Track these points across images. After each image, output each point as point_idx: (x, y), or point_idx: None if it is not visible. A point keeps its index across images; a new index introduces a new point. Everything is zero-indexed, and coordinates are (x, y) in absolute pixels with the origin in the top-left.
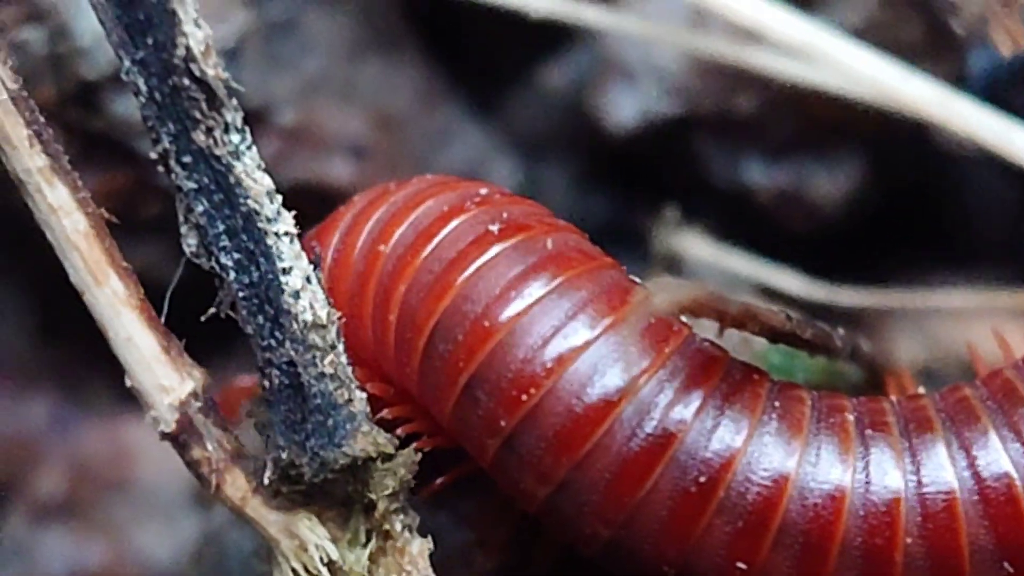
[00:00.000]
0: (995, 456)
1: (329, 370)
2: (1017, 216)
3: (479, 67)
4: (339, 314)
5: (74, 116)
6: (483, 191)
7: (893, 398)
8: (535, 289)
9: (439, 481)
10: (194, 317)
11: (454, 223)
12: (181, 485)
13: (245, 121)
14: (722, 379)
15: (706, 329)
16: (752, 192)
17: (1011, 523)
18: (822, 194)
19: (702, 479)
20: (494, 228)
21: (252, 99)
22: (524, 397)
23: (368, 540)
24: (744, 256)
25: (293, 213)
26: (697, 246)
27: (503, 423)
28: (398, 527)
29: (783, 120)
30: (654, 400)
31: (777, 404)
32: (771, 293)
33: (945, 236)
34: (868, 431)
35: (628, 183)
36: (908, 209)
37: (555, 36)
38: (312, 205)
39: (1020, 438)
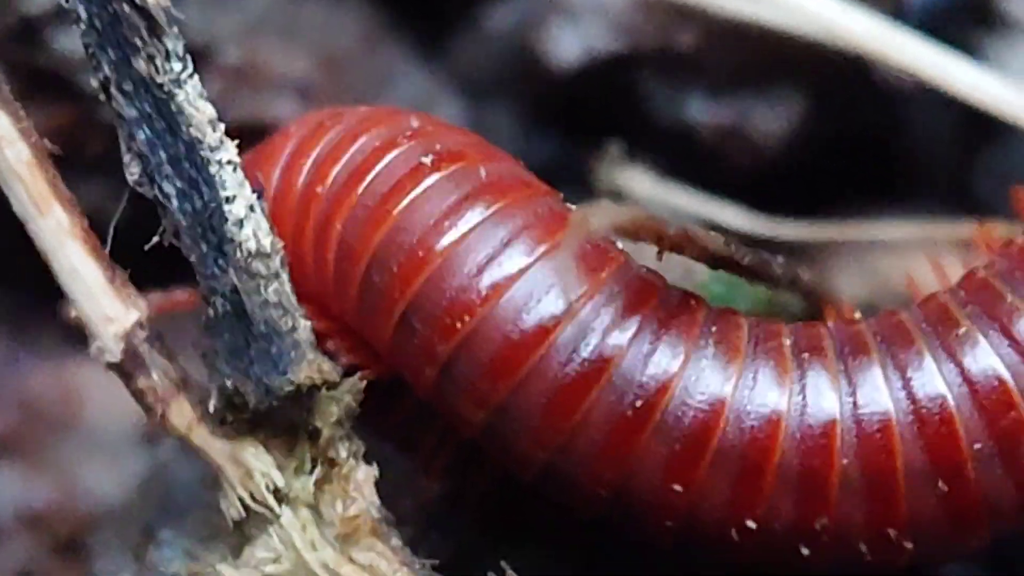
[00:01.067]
0: (930, 378)
1: (273, 298)
2: (960, 152)
3: (424, 8)
4: (282, 243)
5: (17, 52)
6: (416, 123)
7: (830, 323)
8: (469, 218)
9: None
10: (139, 249)
11: (387, 158)
12: (128, 423)
13: (187, 49)
14: (659, 304)
15: (648, 259)
16: (694, 128)
17: (945, 443)
18: (764, 130)
19: (638, 403)
20: (427, 160)
21: (196, 37)
22: (459, 325)
23: (314, 467)
24: (687, 191)
25: (236, 142)
26: (640, 182)
27: (440, 350)
28: (343, 454)
29: (725, 56)
30: (590, 325)
31: (714, 329)
32: (714, 228)
33: (889, 172)
34: (804, 355)
35: (572, 121)
36: (852, 145)
37: None
38: (256, 143)
39: (954, 360)
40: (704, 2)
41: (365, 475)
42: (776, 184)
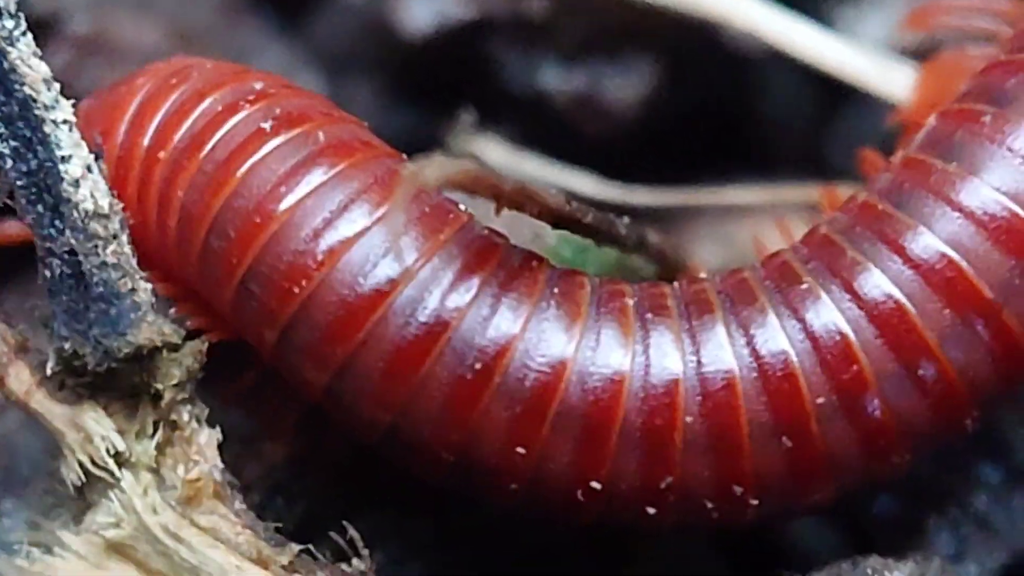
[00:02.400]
0: (772, 334)
1: (112, 259)
2: (812, 119)
3: None
4: (123, 204)
5: None
6: (260, 85)
7: (675, 283)
8: (307, 181)
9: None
10: None
11: (228, 124)
12: None
13: (19, 7)
14: (499, 266)
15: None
16: (548, 96)
17: (788, 399)
18: (617, 97)
19: (478, 365)
20: (267, 125)
21: (42, 5)
22: (297, 289)
23: (155, 431)
24: (540, 159)
25: (72, 102)
26: (493, 151)
27: (279, 315)
28: (185, 417)
29: (576, 23)
30: (428, 287)
31: (556, 290)
32: (570, 197)
33: (742, 141)
34: (648, 315)
35: (427, 91)
36: (705, 114)
37: None
38: None
39: (797, 316)
40: None
41: (207, 438)
42: (630, 151)
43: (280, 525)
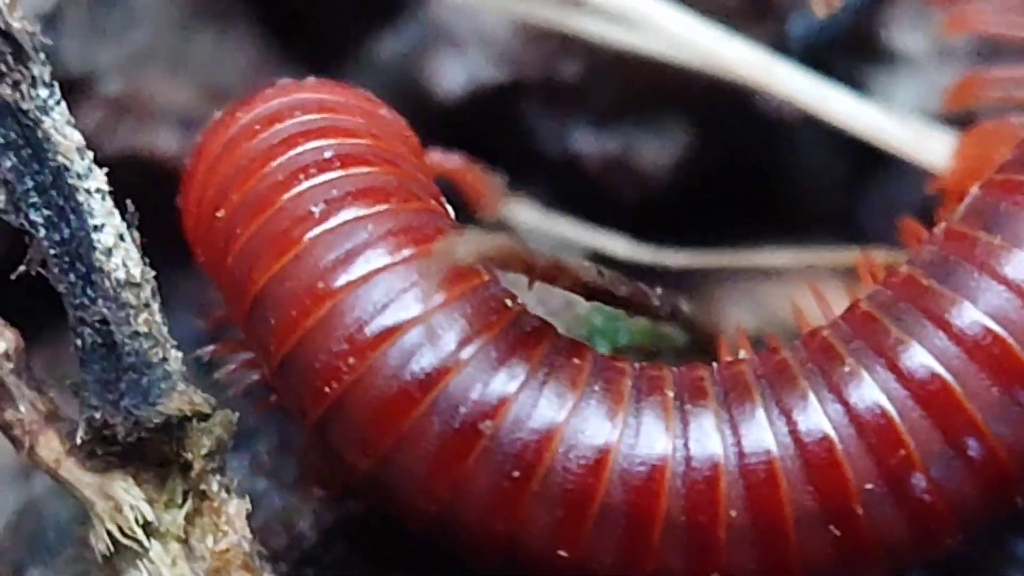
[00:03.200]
0: (815, 418)
1: (143, 328)
2: (845, 184)
3: (313, 39)
4: (154, 272)
5: None
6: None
7: (713, 365)
8: (364, 262)
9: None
10: (6, 279)
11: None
12: (3, 461)
13: (54, 76)
14: (545, 356)
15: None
16: (580, 159)
17: (833, 485)
18: (649, 161)
19: (524, 458)
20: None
21: (75, 67)
22: (343, 373)
23: (185, 500)
24: (572, 222)
25: (105, 171)
26: (525, 213)
27: (321, 395)
28: (215, 487)
29: (608, 86)
30: (474, 379)
31: (598, 377)
32: (599, 259)
33: (776, 204)
34: (687, 404)
35: (459, 151)
36: (738, 177)
37: (386, 7)
38: (138, 175)
39: (840, 398)
40: (588, 33)
41: (237, 508)
42: (662, 214)
43: None
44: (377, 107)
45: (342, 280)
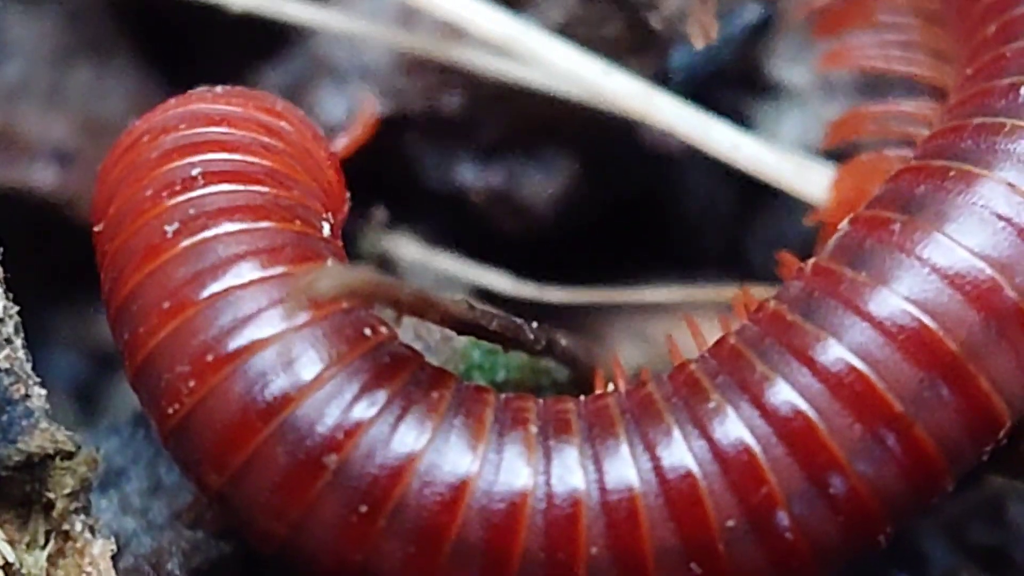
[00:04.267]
0: (678, 454)
1: (4, 364)
2: (732, 217)
3: (195, 71)
4: (17, 308)
5: None
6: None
7: (580, 398)
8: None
9: None
10: None
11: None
12: None
13: None
14: (407, 383)
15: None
16: (464, 192)
17: (696, 522)
18: (533, 194)
19: (375, 489)
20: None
21: None
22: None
23: (47, 541)
24: (454, 257)
25: None
26: (406, 248)
27: (176, 402)
28: (78, 527)
29: (492, 119)
30: (327, 404)
31: (461, 408)
32: (485, 297)
33: (662, 238)
34: (551, 438)
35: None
36: (624, 210)
37: (271, 39)
38: (14, 210)
39: (704, 434)
40: (470, 65)
41: (101, 549)
42: (548, 248)
43: None
44: (282, 117)
45: (198, 294)
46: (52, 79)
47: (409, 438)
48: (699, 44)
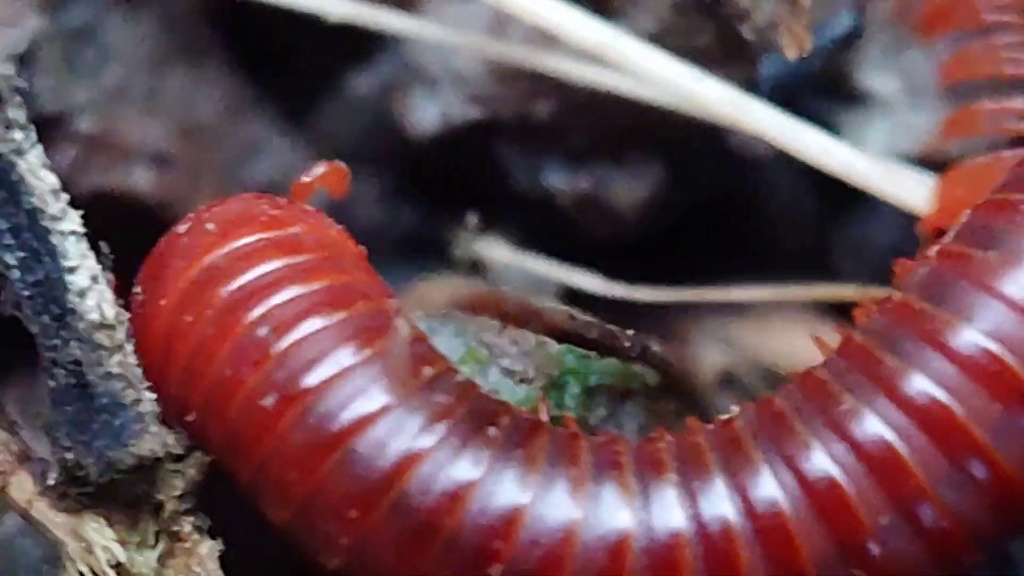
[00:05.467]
0: (819, 462)
1: (116, 370)
2: (816, 222)
3: (288, 77)
4: (128, 315)
5: None
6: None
7: (709, 426)
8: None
9: None
10: None
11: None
12: None
13: (30, 119)
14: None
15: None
16: (553, 197)
17: (847, 524)
18: (622, 199)
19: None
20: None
21: (49, 105)
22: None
23: (157, 541)
24: (545, 260)
25: (81, 213)
26: (498, 251)
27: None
28: (187, 528)
29: (582, 125)
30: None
31: (555, 455)
32: (574, 297)
33: (747, 243)
34: (646, 473)
35: (433, 191)
36: (711, 215)
37: (361, 45)
38: (112, 213)
39: (790, 465)
40: (561, 72)
41: (209, 549)
42: (634, 253)
43: None
44: (319, 218)
45: (308, 383)
46: (149, 84)
47: (514, 487)
48: (792, 55)
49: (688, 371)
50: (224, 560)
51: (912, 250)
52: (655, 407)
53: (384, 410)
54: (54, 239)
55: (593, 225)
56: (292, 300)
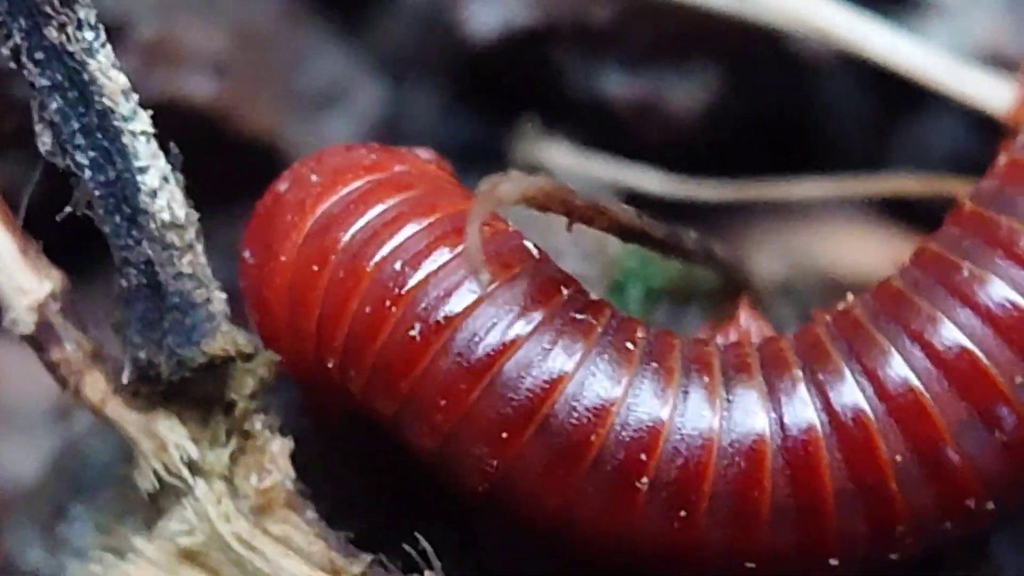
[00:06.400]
0: (899, 368)
1: (187, 269)
2: (876, 129)
3: None
4: (198, 215)
5: None
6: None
7: (789, 335)
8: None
9: None
10: (52, 221)
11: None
12: (42, 400)
13: (99, 19)
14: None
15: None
16: (610, 103)
17: (926, 431)
18: (680, 104)
19: (575, 432)
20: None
21: (110, 11)
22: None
23: (228, 439)
24: (605, 161)
25: (150, 113)
26: (557, 155)
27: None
28: (258, 426)
29: (640, 30)
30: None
31: (652, 355)
32: (634, 201)
33: (806, 149)
34: (731, 372)
35: (491, 97)
36: (769, 121)
37: None
38: (172, 120)
39: (923, 345)
40: None
41: (280, 448)
42: (692, 159)
43: (351, 534)
44: (415, 155)
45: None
46: None
47: (606, 387)
48: None
49: (749, 277)
50: (295, 459)
51: (972, 154)
52: (716, 312)
53: (529, 334)
54: (125, 139)
55: (651, 132)
56: (417, 234)
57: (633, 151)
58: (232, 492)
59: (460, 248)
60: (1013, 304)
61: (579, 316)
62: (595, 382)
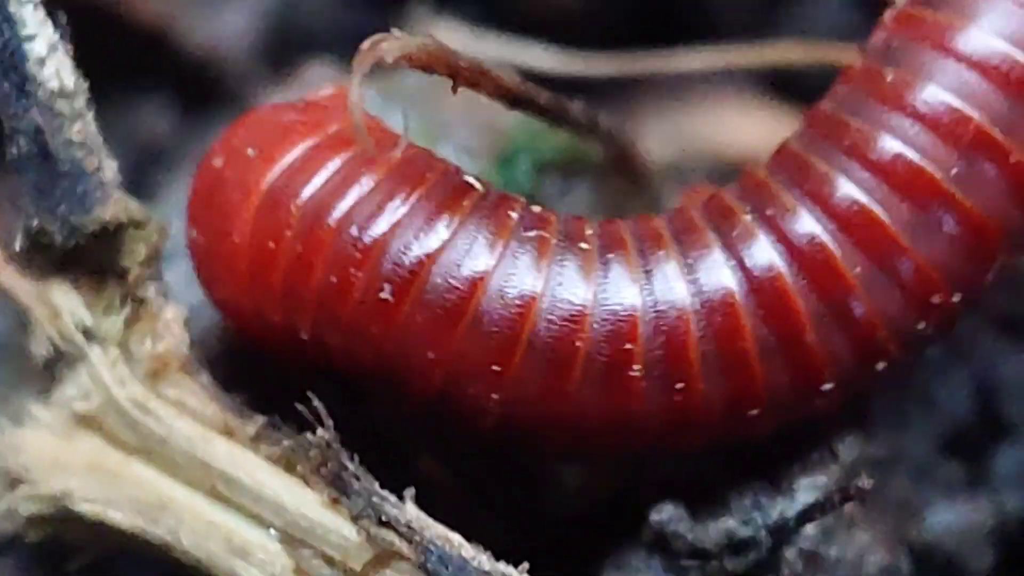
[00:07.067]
0: (764, 253)
1: (77, 138)
2: (763, 6)
3: None
4: (87, 83)
5: None
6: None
7: (661, 216)
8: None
9: None
10: None
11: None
12: None
13: None
14: (474, 207)
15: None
16: None
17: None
18: None
19: (454, 302)
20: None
21: None
22: None
23: (123, 306)
24: (496, 40)
25: None
26: (448, 35)
27: None
28: (151, 293)
29: None
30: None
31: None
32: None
33: (692, 28)
34: (646, 247)
35: None
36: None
37: None
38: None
39: (821, 204)
40: None
41: (174, 314)
42: (581, 33)
43: (245, 396)
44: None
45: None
46: None
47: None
48: None
49: (636, 151)
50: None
51: (858, 26)
52: (604, 186)
53: (496, 264)
54: (11, 7)
55: (539, 8)
56: (368, 192)
57: (523, 29)
58: (127, 357)
59: (413, 197)
60: (900, 156)
61: (532, 232)
62: (567, 289)
